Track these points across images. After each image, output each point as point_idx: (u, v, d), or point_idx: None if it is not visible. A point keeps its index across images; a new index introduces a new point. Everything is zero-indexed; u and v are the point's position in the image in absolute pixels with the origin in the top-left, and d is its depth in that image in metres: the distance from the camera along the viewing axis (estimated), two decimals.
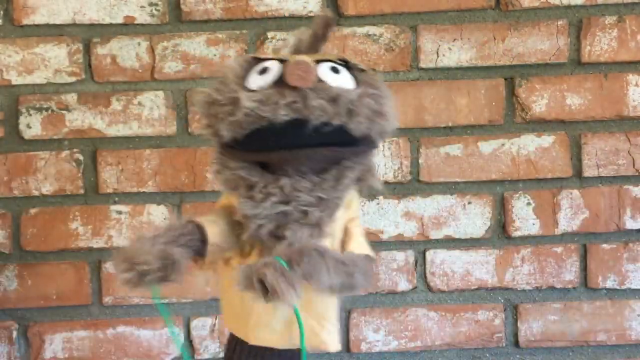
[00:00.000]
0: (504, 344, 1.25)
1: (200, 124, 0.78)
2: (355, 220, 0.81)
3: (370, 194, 1.23)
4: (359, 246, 0.78)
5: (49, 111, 1.23)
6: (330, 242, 0.77)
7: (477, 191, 1.24)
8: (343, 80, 0.75)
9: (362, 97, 0.74)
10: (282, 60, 0.76)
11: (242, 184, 0.76)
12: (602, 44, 1.23)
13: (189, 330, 1.25)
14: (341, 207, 0.77)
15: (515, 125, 1.24)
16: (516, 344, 1.25)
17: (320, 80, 0.74)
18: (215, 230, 0.77)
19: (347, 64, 0.78)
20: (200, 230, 0.76)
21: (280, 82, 0.73)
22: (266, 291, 0.66)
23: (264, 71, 0.76)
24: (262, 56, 0.78)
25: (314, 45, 0.82)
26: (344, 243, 0.79)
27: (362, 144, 0.76)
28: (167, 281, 0.73)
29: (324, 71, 0.75)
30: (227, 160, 0.77)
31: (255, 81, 0.75)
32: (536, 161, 1.24)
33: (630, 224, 1.24)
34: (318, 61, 0.76)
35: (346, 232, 0.79)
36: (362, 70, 0.79)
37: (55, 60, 1.23)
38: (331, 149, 0.74)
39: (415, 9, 1.23)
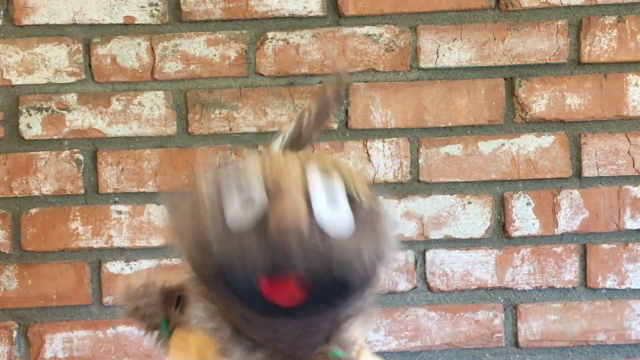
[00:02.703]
0: (503, 344, 1.25)
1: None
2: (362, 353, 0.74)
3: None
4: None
5: (49, 111, 1.23)
6: None
7: (477, 191, 1.24)
8: (340, 219, 0.65)
9: (364, 249, 0.65)
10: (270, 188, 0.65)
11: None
12: (602, 44, 1.23)
13: None
14: None
15: (515, 125, 1.24)
16: (516, 343, 1.25)
17: (311, 218, 0.63)
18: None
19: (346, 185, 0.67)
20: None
21: (262, 229, 0.62)
22: None
23: (247, 202, 0.64)
24: (244, 179, 0.66)
25: (318, 123, 0.73)
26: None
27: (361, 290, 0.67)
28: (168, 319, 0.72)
29: (319, 205, 0.64)
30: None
31: (236, 214, 0.64)
32: (536, 161, 1.24)
33: (630, 224, 1.24)
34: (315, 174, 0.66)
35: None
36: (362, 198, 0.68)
37: (55, 60, 1.23)
38: (330, 317, 0.66)
39: (415, 9, 1.23)
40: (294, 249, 0.61)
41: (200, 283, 0.67)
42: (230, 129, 1.23)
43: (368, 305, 0.70)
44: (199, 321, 0.67)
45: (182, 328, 0.74)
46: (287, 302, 0.62)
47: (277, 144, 0.75)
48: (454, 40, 1.23)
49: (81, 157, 1.24)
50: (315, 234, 0.63)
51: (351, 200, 0.66)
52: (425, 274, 1.25)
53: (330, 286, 0.63)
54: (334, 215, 0.65)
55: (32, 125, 1.23)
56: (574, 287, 1.25)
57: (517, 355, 1.25)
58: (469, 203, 1.24)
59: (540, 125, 1.24)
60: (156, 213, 1.24)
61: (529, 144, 1.24)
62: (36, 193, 1.23)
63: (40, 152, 1.23)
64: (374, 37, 1.23)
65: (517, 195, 1.24)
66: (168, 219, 0.70)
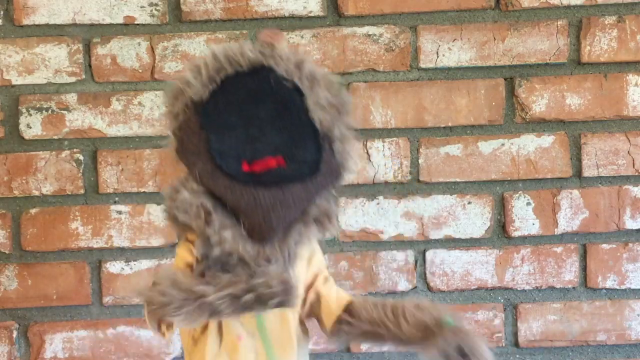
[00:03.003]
0: (504, 344, 1.25)
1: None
2: (322, 274, 0.80)
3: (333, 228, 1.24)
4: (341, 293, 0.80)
5: (49, 111, 1.23)
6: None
7: (477, 191, 1.24)
8: None
9: (326, 82, 0.76)
10: None
11: (202, 217, 0.72)
12: (602, 44, 1.23)
13: None
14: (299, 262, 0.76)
15: (515, 125, 1.24)
16: (516, 343, 1.25)
17: None
18: None
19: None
20: None
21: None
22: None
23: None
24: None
25: None
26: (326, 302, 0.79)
27: (327, 173, 0.74)
28: None
29: None
30: (188, 183, 0.74)
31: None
32: (536, 161, 1.24)
33: (630, 224, 1.24)
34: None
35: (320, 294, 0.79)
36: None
37: (55, 60, 1.23)
38: (304, 187, 0.72)
39: (415, 9, 1.23)
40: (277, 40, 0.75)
41: (188, 163, 0.73)
42: None
43: (337, 191, 0.77)
44: (185, 202, 0.72)
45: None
46: (264, 169, 0.71)
47: None
48: (454, 40, 1.23)
49: (81, 157, 1.24)
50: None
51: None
52: (425, 274, 1.25)
53: (301, 160, 0.72)
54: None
55: (32, 125, 1.23)
56: (574, 287, 1.25)
57: (517, 355, 1.25)
58: (469, 203, 1.24)
59: (540, 125, 1.24)
60: (156, 213, 1.24)
61: (529, 144, 1.24)
62: (36, 193, 1.23)
63: (40, 152, 1.23)
64: (374, 37, 1.23)
65: (517, 195, 1.24)
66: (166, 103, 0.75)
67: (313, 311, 0.81)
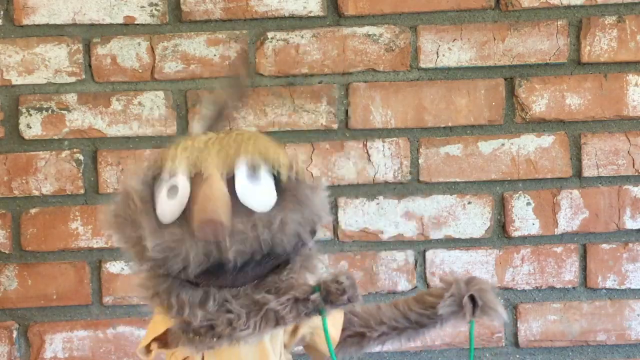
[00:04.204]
0: (503, 344, 1.25)
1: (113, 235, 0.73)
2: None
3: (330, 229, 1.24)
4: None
5: (49, 111, 1.23)
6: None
7: (477, 191, 1.24)
8: (260, 190, 0.69)
9: (286, 220, 0.68)
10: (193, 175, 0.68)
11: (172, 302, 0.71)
12: (602, 44, 1.23)
13: None
14: None
15: (515, 125, 1.24)
16: (516, 344, 1.25)
17: (235, 198, 0.67)
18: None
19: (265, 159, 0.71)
20: None
21: (189, 212, 0.67)
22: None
23: (172, 191, 0.69)
24: (169, 168, 0.71)
25: (234, 99, 0.78)
26: None
27: (293, 252, 0.71)
28: None
29: (240, 182, 0.68)
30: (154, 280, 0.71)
31: (164, 206, 0.69)
32: (536, 161, 1.24)
33: (630, 224, 1.24)
34: (233, 161, 0.69)
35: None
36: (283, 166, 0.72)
37: (55, 60, 1.23)
38: (260, 269, 0.70)
39: (415, 9, 1.23)
40: (220, 240, 0.64)
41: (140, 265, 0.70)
42: (230, 129, 1.22)
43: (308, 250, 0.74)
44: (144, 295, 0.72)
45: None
46: (219, 271, 0.67)
47: (197, 127, 0.80)
48: (454, 40, 1.23)
49: (81, 157, 1.24)
50: (239, 211, 0.66)
51: (272, 173, 0.70)
52: (425, 274, 1.25)
53: (257, 257, 0.67)
54: (254, 189, 0.67)
55: (32, 125, 1.23)
56: (574, 287, 1.25)
57: (517, 355, 1.25)
58: (469, 203, 1.24)
59: (540, 125, 1.24)
60: None
61: (529, 144, 1.24)
62: (36, 193, 1.23)
63: (40, 152, 1.23)
64: (374, 37, 1.23)
65: (517, 195, 1.24)
66: (106, 221, 0.72)
67: (308, 344, 0.79)
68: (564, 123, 1.24)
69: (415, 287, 1.25)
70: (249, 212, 0.67)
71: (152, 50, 1.23)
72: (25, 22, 1.23)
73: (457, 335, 1.25)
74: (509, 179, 1.24)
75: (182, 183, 0.68)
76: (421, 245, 1.24)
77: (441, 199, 1.24)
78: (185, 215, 0.67)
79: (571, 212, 1.24)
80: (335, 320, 0.78)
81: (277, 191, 0.70)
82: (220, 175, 0.67)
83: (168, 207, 0.68)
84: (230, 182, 0.67)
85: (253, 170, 0.69)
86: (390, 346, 1.25)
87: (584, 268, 1.25)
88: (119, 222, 0.71)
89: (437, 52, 1.23)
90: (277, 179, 0.70)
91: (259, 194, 0.68)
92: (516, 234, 1.24)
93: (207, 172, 0.67)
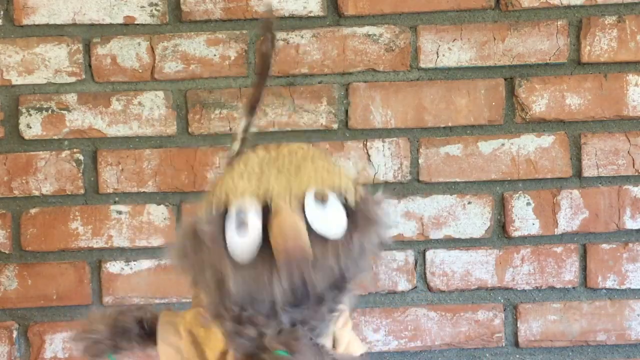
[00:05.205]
0: (503, 344, 1.25)
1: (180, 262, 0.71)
2: (346, 325, 0.78)
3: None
4: (352, 346, 0.76)
5: (49, 111, 1.23)
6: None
7: (477, 191, 1.24)
8: (332, 217, 0.67)
9: (365, 244, 0.67)
10: (263, 203, 0.66)
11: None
12: (602, 44, 1.23)
13: None
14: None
15: (515, 125, 1.24)
16: (516, 344, 1.25)
17: (307, 225, 0.65)
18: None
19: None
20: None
21: (265, 247, 0.65)
22: None
23: (241, 226, 0.66)
24: (233, 204, 0.67)
25: (264, 68, 0.76)
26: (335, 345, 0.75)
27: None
28: (119, 349, 0.73)
29: (310, 209, 0.66)
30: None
31: (237, 246, 0.66)
32: (536, 161, 1.24)
33: (630, 224, 1.24)
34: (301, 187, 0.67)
35: (336, 337, 0.75)
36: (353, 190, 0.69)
37: (55, 60, 1.23)
38: (330, 306, 0.69)
39: (415, 9, 1.23)
40: (306, 274, 0.64)
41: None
42: (230, 129, 1.23)
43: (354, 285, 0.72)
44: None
45: (167, 314, 0.77)
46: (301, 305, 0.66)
47: (235, 145, 0.80)
48: (454, 40, 1.23)
49: (81, 157, 1.24)
50: (314, 240, 0.64)
51: (341, 201, 0.68)
52: (425, 274, 1.25)
53: (339, 284, 0.67)
54: (325, 217, 0.66)
55: (32, 125, 1.23)
56: (574, 287, 1.25)
57: (517, 355, 1.25)
58: (469, 203, 1.24)
59: (540, 125, 1.24)
60: (156, 213, 1.24)
61: (529, 144, 1.24)
62: (36, 193, 1.23)
63: (40, 152, 1.23)
64: (374, 37, 1.23)
65: (517, 195, 1.24)
66: (179, 267, 0.69)
67: None
68: (564, 123, 1.24)
69: (415, 287, 1.25)
70: (323, 239, 0.66)
71: (152, 50, 1.23)
72: (25, 22, 1.23)
73: (457, 335, 1.25)
74: (509, 179, 1.24)
75: (252, 220, 0.66)
76: (421, 245, 1.24)
77: (441, 199, 1.24)
78: (260, 251, 0.65)
79: (571, 212, 1.24)
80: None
81: (346, 213, 0.68)
82: (290, 207, 0.66)
83: (241, 245, 0.66)
84: (300, 210, 0.66)
85: (321, 198, 0.67)
86: (390, 346, 1.25)
87: (584, 268, 1.25)
88: (189, 265, 0.69)
89: (437, 52, 1.23)
90: (344, 201, 0.69)
91: (330, 220, 0.67)
92: (516, 234, 1.24)
93: (277, 205, 0.65)
